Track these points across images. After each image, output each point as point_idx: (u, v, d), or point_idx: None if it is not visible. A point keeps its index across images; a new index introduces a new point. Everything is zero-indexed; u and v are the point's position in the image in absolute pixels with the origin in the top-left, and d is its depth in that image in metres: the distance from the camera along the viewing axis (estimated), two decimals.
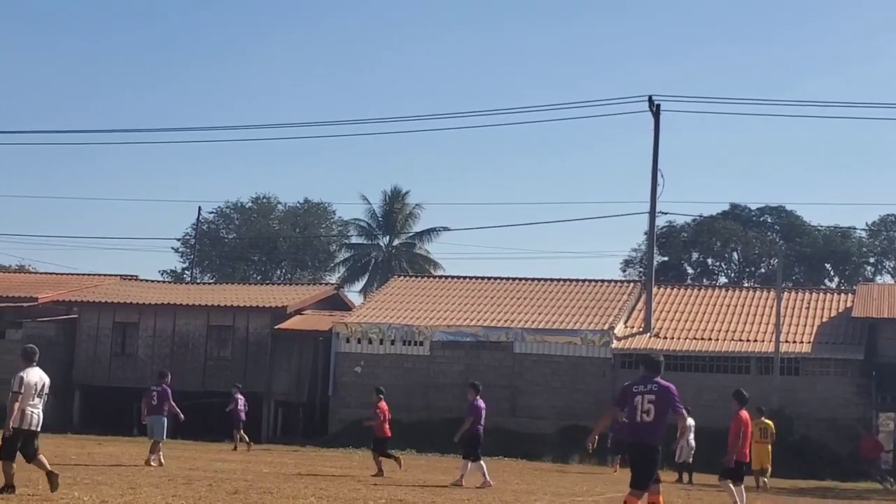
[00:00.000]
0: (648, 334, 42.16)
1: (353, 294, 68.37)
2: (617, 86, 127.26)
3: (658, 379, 13.32)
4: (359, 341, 43.09)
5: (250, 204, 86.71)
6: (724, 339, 41.33)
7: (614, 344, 41.23)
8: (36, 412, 15.62)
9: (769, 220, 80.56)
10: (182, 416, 25.98)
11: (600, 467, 34.67)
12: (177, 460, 26.11)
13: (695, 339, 41.63)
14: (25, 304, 46.88)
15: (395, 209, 78.37)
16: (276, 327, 44.24)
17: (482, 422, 23.28)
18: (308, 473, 23.67)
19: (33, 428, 15.56)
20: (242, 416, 34.94)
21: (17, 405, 15.42)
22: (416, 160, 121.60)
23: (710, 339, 41.53)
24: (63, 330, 46.36)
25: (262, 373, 43.75)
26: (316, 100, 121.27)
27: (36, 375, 15.90)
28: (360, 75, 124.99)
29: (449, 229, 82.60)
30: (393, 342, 42.88)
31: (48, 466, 15.49)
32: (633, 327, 43.20)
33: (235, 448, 33.84)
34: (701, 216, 76.01)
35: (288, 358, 44.50)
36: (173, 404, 25.50)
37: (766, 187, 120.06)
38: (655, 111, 44.10)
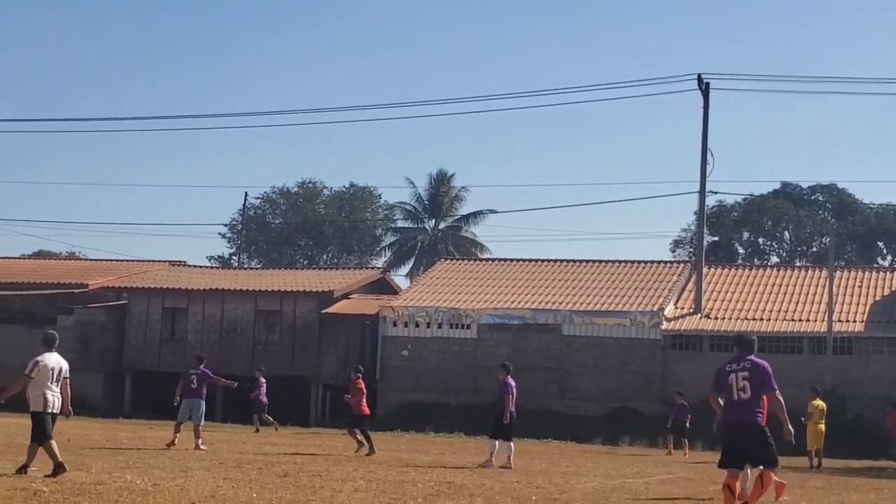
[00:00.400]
0: (699, 315, 41.85)
1: (399, 278, 68.48)
2: (666, 65, 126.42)
3: (751, 357, 13.09)
4: (405, 325, 43.07)
5: (296, 189, 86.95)
6: (776, 320, 40.97)
7: (664, 325, 40.95)
8: (55, 396, 15.89)
9: (821, 199, 79.82)
10: (234, 383, 26.40)
11: (650, 449, 34.53)
12: (227, 444, 26.20)
13: (746, 319, 41.28)
14: (76, 291, 47.29)
15: (440, 192, 78.28)
16: (323, 311, 44.30)
17: (514, 401, 23.12)
18: (357, 457, 23.63)
19: (55, 411, 15.89)
20: (265, 399, 35.31)
21: (15, 387, 15.95)
22: (461, 143, 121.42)
23: (761, 319, 41.17)
24: (113, 316, 46.70)
25: (309, 357, 43.86)
26: (361, 83, 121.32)
27: (53, 360, 16.05)
28: (406, 58, 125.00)
29: (496, 212, 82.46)
30: (440, 325, 42.82)
31: (55, 455, 15.71)
32: (683, 308, 42.90)
33: (258, 430, 34.14)
34: (752, 195, 75.43)
35: (335, 342, 44.57)
36: (219, 378, 26.07)
37: (817, 165, 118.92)
38: (705, 90, 43.76)
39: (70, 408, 16.39)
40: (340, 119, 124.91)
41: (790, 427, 13.17)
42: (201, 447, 23.66)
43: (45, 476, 15.56)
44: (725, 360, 13.42)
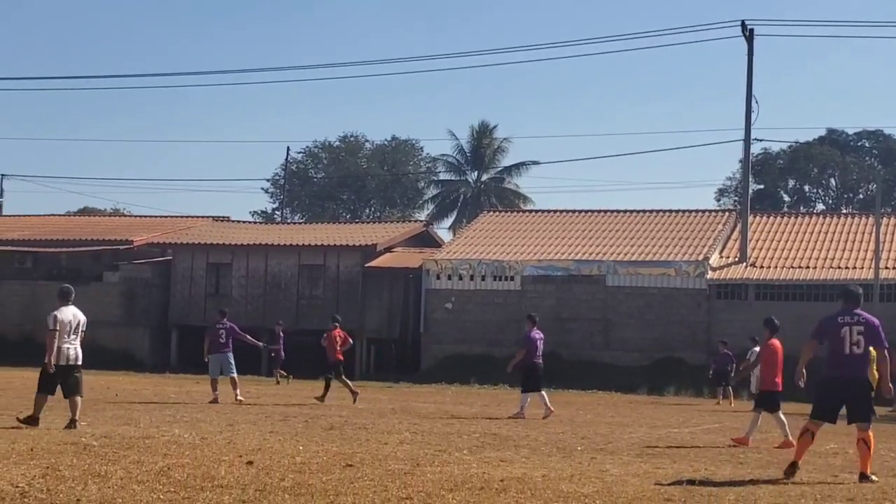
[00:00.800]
0: (744, 264, 41.61)
1: (442, 230, 68.51)
2: (710, 12, 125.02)
3: (860, 311, 13.00)
4: (449, 277, 43.10)
5: (338, 143, 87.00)
6: (822, 267, 40.66)
7: (709, 274, 40.74)
8: (72, 348, 16.31)
9: (867, 145, 78.99)
10: (260, 343, 26.41)
11: (695, 399, 34.48)
12: (273, 397, 26.39)
13: (792, 267, 41.00)
14: (121, 248, 47.63)
15: (483, 144, 78.06)
16: (366, 265, 44.40)
17: (539, 353, 23.18)
18: (402, 409, 23.74)
19: (71, 363, 16.25)
20: (282, 352, 35.36)
21: (51, 342, 16.11)
22: (503, 94, 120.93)
23: (807, 267, 40.87)
24: (158, 272, 47.04)
25: (353, 311, 44.00)
26: (402, 36, 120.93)
27: (69, 313, 16.50)
28: (447, 9, 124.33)
29: (538, 163, 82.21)
30: (483, 278, 42.82)
31: (76, 414, 16.04)
32: (728, 257, 42.66)
33: (278, 382, 34.30)
34: (797, 142, 74.82)
35: (379, 295, 44.69)
36: (245, 336, 25.93)
37: (863, 111, 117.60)
38: (749, 36, 43.25)
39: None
40: (382, 72, 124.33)
41: (891, 385, 13.16)
42: (239, 398, 23.78)
43: (18, 420, 16.10)
44: (834, 312, 13.25)
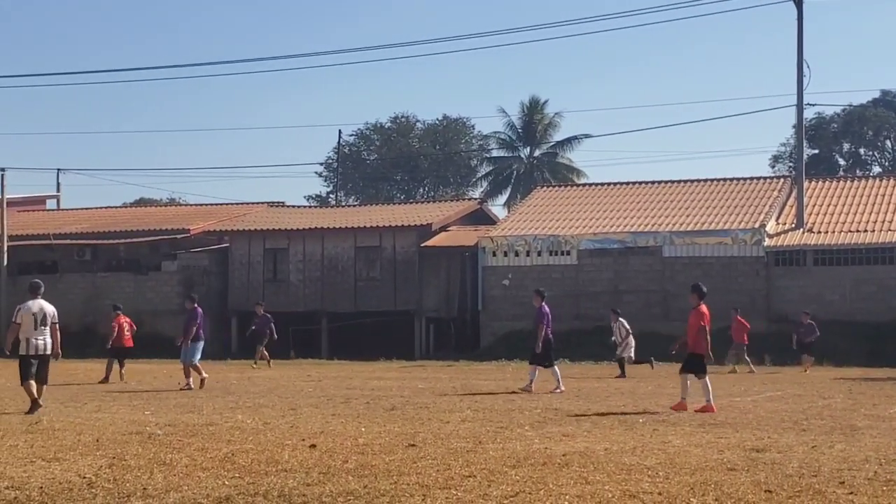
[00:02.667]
0: (801, 230, 41.24)
1: (496, 208, 68.43)
2: None
3: None
4: (505, 254, 43.08)
5: (390, 124, 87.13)
6: (881, 231, 40.19)
7: (766, 242, 40.42)
8: (42, 339, 16.73)
9: None
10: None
11: (756, 367, 34.26)
12: (334, 380, 26.56)
13: (849, 231, 40.58)
14: (178, 236, 48.03)
15: (534, 119, 77.85)
16: (422, 245, 44.48)
17: (550, 327, 23.39)
18: (462, 388, 23.82)
19: (40, 352, 16.74)
20: (266, 332, 34.95)
21: (10, 334, 16.97)
22: (552, 68, 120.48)
23: (865, 230, 40.42)
24: (216, 259, 47.40)
25: (411, 291, 44.13)
26: (450, 13, 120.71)
27: (36, 307, 16.91)
28: None
29: (590, 136, 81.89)
30: (539, 253, 42.76)
31: (37, 396, 16.73)
32: (784, 224, 42.30)
33: (255, 364, 34.01)
34: (850, 105, 73.97)
35: (436, 275, 44.77)
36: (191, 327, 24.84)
37: None
38: (798, 0, 42.74)
39: (59, 350, 17.21)
40: (431, 52, 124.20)
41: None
42: (191, 385, 23.46)
43: (25, 414, 16.40)
44: None
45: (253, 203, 54.97)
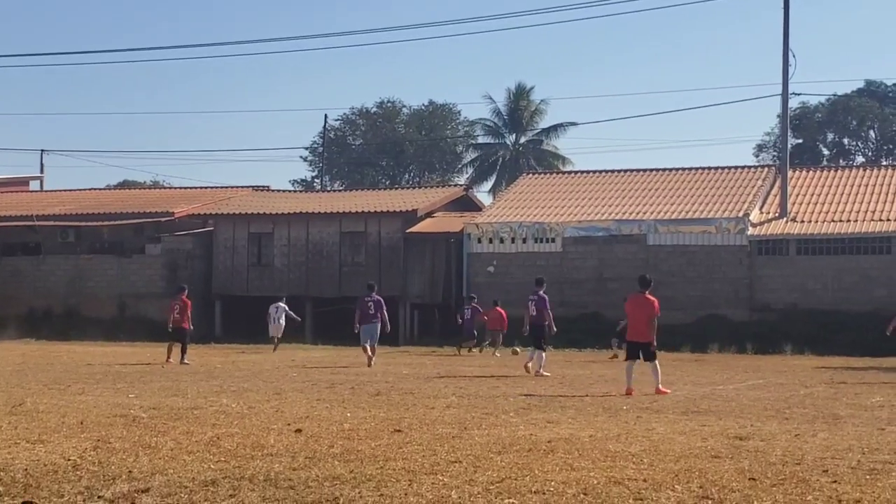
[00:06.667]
0: (785, 219, 41.36)
1: (482, 194, 68.41)
2: None
3: None
4: (490, 241, 43.11)
5: (375, 109, 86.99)
6: (864, 220, 40.34)
7: (750, 231, 40.53)
8: None
9: None
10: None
11: (739, 356, 34.41)
12: (318, 366, 26.56)
13: (833, 221, 40.73)
14: (162, 220, 47.92)
15: (520, 106, 77.79)
16: (407, 231, 44.47)
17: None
18: (447, 374, 23.86)
19: None
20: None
21: None
22: (538, 55, 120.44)
23: (848, 220, 40.57)
24: (200, 243, 47.31)
25: (396, 276, 44.14)
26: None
27: None
28: None
29: (576, 124, 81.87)
30: (524, 240, 42.80)
31: None
32: (768, 213, 42.42)
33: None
34: (835, 95, 74.13)
35: (421, 261, 44.78)
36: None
37: None
38: None
39: None
40: (417, 37, 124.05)
41: None
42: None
43: None
44: None
45: (238, 187, 54.88)
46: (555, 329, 25.40)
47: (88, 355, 30.16)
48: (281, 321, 35.69)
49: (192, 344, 28.96)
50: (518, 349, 32.48)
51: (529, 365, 23.74)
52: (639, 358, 18.90)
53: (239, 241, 46.59)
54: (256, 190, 53.63)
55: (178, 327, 27.84)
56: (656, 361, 18.92)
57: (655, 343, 19.46)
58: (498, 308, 35.00)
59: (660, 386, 18.44)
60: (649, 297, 19.29)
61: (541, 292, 24.84)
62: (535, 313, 24.52)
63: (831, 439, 12.00)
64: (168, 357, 27.13)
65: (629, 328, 19.27)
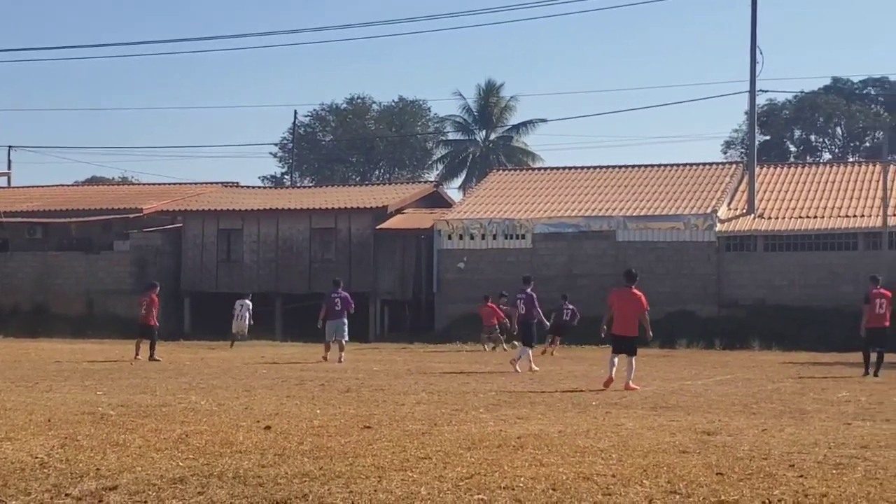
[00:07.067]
0: (752, 215, 41.59)
1: (452, 191, 68.49)
2: None
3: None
4: (461, 237, 43.15)
5: (345, 105, 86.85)
6: (830, 217, 40.61)
7: (718, 227, 40.74)
8: None
9: (872, 93, 78.64)
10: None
11: (707, 351, 34.58)
12: (288, 362, 26.53)
13: (800, 217, 40.98)
14: (131, 216, 47.70)
15: (490, 103, 77.86)
16: (377, 227, 44.44)
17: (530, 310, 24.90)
18: (417, 370, 23.88)
19: None
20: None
21: None
22: (508, 52, 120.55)
23: (815, 216, 40.84)
24: (169, 239, 47.12)
25: (366, 273, 44.11)
26: None
27: None
28: None
29: (546, 120, 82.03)
30: (495, 237, 42.86)
31: None
32: (736, 209, 42.65)
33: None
34: (802, 92, 74.54)
35: (391, 257, 44.76)
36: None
37: (868, 58, 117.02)
38: None
39: None
40: (387, 33, 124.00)
41: None
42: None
43: None
44: None
45: (207, 183, 54.66)
46: (547, 324, 27.06)
47: (56, 352, 30.00)
48: (245, 318, 35.72)
49: (160, 341, 28.86)
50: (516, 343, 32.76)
51: (518, 364, 23.66)
52: (624, 352, 18.91)
53: (208, 238, 46.44)
54: (226, 186, 53.45)
55: (143, 324, 27.76)
56: (635, 358, 18.94)
57: (651, 334, 19.75)
58: (490, 304, 34.81)
59: (630, 382, 18.52)
60: (636, 291, 19.29)
61: (528, 290, 25.05)
62: (523, 311, 24.74)
63: (798, 434, 12.08)
64: (136, 354, 27.03)
65: (616, 323, 19.23)
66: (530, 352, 24.21)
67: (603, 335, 19.76)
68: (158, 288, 28.98)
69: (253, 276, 45.34)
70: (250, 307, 36.08)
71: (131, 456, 10.19)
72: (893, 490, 8.59)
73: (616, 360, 18.94)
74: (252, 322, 36.44)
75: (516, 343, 32.51)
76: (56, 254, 47.77)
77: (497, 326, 34.32)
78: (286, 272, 45.15)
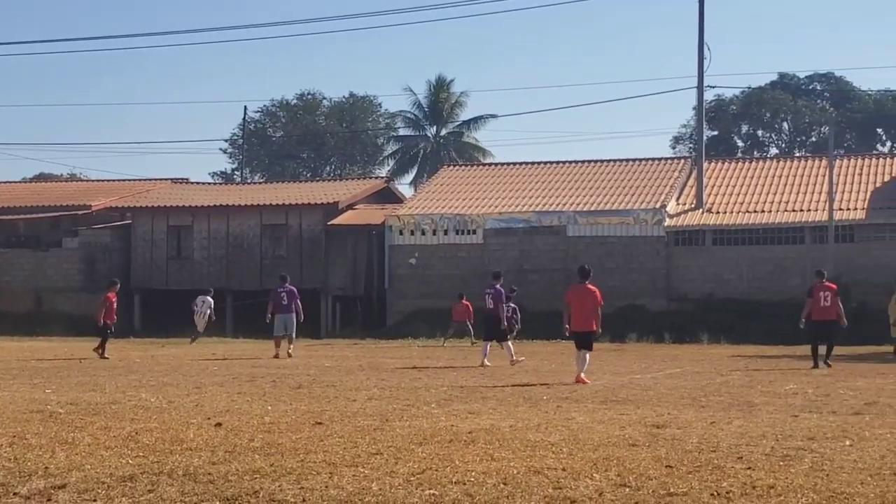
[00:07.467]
0: (701, 210, 41.92)
1: (403, 186, 68.46)
2: None
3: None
4: (412, 233, 43.17)
5: (296, 101, 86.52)
6: (778, 211, 41.02)
7: (667, 222, 41.02)
8: None
9: (818, 88, 79.40)
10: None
11: (657, 345, 34.80)
12: (239, 359, 26.43)
13: (748, 212, 41.35)
14: (80, 213, 47.33)
15: (440, 98, 77.86)
16: (329, 223, 44.37)
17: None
18: (369, 366, 23.87)
19: None
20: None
21: None
22: (458, 47, 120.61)
23: (763, 211, 41.22)
24: (118, 236, 46.80)
25: (317, 269, 44.03)
26: None
27: None
28: None
29: (496, 116, 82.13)
30: (446, 232, 42.92)
31: None
32: (685, 204, 42.96)
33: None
34: (749, 88, 75.13)
35: (343, 253, 44.70)
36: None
37: (814, 54, 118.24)
38: None
39: None
40: (337, 28, 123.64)
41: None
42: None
43: None
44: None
45: (156, 179, 54.36)
46: (512, 321, 27.55)
47: (4, 350, 29.71)
48: (205, 314, 35.57)
49: (110, 339, 28.60)
50: (475, 340, 32.97)
51: (487, 361, 23.77)
52: (584, 347, 19.06)
53: (158, 235, 46.17)
54: (175, 182, 53.14)
55: (96, 322, 27.69)
56: (589, 353, 19.08)
57: (600, 331, 19.71)
58: (465, 301, 34.74)
59: (582, 375, 18.62)
60: (590, 287, 19.44)
61: (497, 286, 25.17)
62: (491, 306, 24.79)
63: (746, 426, 12.20)
64: (101, 352, 26.77)
65: (573, 319, 19.34)
66: (510, 344, 24.56)
67: (568, 334, 19.82)
68: (118, 286, 28.79)
69: (203, 272, 45.12)
70: (211, 303, 35.91)
71: (80, 454, 10.12)
72: (840, 481, 8.70)
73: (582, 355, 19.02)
74: (213, 318, 36.29)
75: (475, 340, 32.70)
76: (4, 251, 47.29)
77: (468, 323, 34.33)
78: (237, 268, 44.98)
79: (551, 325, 36.36)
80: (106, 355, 26.36)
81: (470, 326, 34.35)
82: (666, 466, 9.37)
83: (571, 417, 13.07)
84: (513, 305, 32.90)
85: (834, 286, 24.18)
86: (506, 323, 25.35)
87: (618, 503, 7.95)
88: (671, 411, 13.84)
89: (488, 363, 23.63)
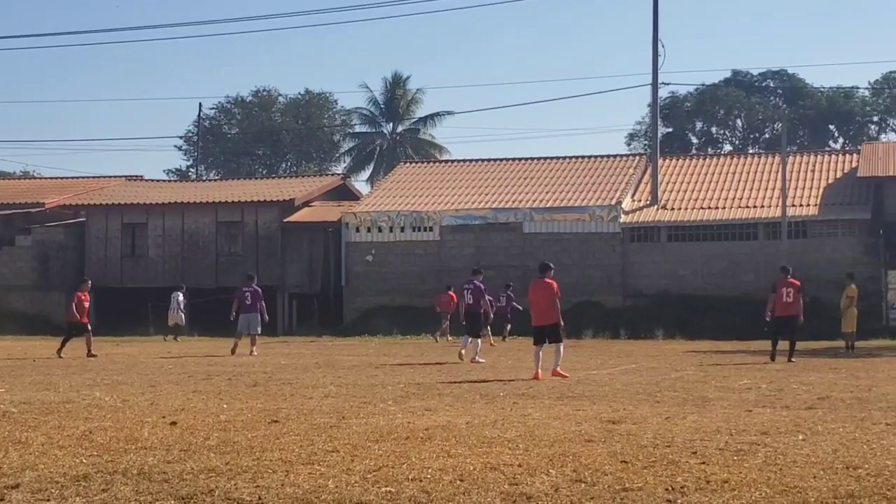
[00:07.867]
0: (656, 206, 42.14)
1: (359, 183, 68.43)
2: None
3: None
4: (368, 230, 43.13)
5: (251, 98, 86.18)
6: (731, 207, 41.32)
7: (622, 218, 41.21)
8: None
9: (771, 85, 79.99)
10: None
11: (613, 341, 34.97)
12: (195, 357, 26.32)
13: (702, 208, 41.63)
14: (33, 210, 46.96)
15: (396, 95, 77.82)
16: (285, 220, 44.25)
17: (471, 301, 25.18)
18: (326, 363, 23.84)
19: None
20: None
21: None
22: (414, 44, 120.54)
23: (717, 207, 41.51)
24: (72, 234, 46.46)
25: (273, 266, 43.89)
26: None
27: None
28: None
29: (452, 113, 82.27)
30: (402, 229, 42.92)
31: None
32: (640, 200, 43.16)
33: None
34: (703, 85, 75.60)
35: (299, 250, 44.59)
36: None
37: (767, 51, 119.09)
38: None
39: None
40: (293, 25, 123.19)
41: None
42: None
43: None
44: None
45: (110, 177, 53.98)
46: (491, 316, 27.34)
47: None
48: (179, 310, 35.62)
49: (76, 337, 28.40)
50: (438, 338, 33.17)
51: (463, 352, 23.91)
52: (545, 342, 19.09)
53: (112, 232, 45.87)
54: (129, 180, 52.81)
55: (73, 322, 27.43)
56: (561, 344, 19.12)
57: (562, 323, 19.65)
58: (450, 293, 34.65)
59: (558, 368, 18.63)
60: (548, 280, 19.50)
61: (476, 281, 25.22)
62: (471, 301, 24.90)
63: (700, 422, 12.28)
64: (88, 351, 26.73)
65: (533, 314, 19.42)
66: (479, 342, 24.44)
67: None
68: (89, 284, 28.61)
69: (158, 270, 44.88)
70: (181, 300, 35.90)
71: (34, 453, 10.05)
72: (793, 475, 8.78)
73: (541, 352, 19.03)
74: (183, 314, 36.32)
75: (437, 338, 32.83)
76: None
77: (449, 314, 34.33)
78: (192, 266, 44.75)
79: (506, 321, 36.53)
80: (62, 354, 26.16)
81: (447, 321, 34.42)
82: (621, 462, 9.42)
83: (527, 414, 13.11)
84: (512, 298, 33.70)
85: (797, 283, 24.39)
86: (491, 317, 25.65)
87: (573, 499, 7.98)
88: (626, 407, 13.91)
89: (481, 360, 23.62)
